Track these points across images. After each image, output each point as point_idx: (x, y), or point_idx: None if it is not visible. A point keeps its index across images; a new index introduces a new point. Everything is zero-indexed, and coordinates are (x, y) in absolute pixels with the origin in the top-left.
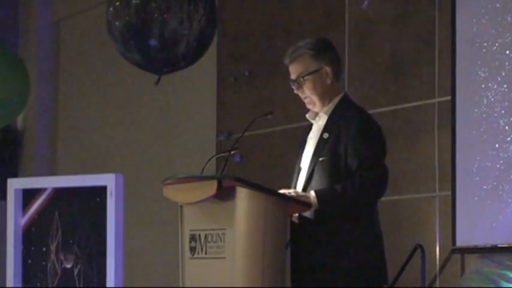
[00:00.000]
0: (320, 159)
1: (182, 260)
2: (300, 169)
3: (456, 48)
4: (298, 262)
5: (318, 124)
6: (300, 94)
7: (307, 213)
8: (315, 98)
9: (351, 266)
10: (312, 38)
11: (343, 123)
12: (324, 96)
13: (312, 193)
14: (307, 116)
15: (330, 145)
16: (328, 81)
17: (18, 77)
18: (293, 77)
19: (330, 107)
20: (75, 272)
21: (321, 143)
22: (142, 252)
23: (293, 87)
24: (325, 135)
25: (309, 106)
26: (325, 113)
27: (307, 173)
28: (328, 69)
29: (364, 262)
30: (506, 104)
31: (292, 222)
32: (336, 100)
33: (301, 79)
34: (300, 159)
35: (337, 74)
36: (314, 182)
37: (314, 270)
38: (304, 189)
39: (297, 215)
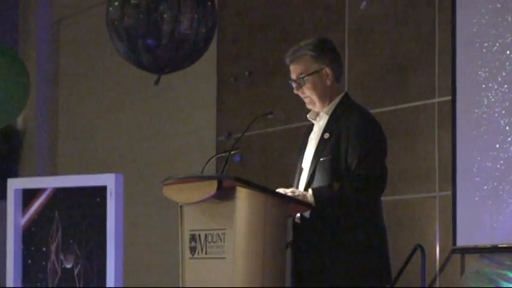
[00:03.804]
0: (321, 159)
1: (182, 260)
2: (301, 169)
3: (456, 48)
4: (299, 262)
5: (319, 124)
6: (300, 94)
7: (307, 212)
8: (314, 98)
9: (353, 266)
10: (313, 38)
11: (343, 123)
12: (324, 97)
13: (309, 191)
14: (308, 116)
15: (330, 145)
16: (328, 82)
17: (18, 79)
18: (293, 76)
19: (331, 107)
20: (75, 272)
21: (321, 143)
22: (142, 252)
23: (293, 86)
24: (326, 136)
25: (309, 106)
26: (326, 113)
27: (308, 174)
28: (328, 70)
29: (367, 262)
30: (507, 104)
31: (294, 223)
32: (337, 100)
33: (301, 79)
34: (302, 160)
35: (337, 75)
36: (315, 183)
37: (316, 271)
38: (306, 190)
39: (298, 215)
